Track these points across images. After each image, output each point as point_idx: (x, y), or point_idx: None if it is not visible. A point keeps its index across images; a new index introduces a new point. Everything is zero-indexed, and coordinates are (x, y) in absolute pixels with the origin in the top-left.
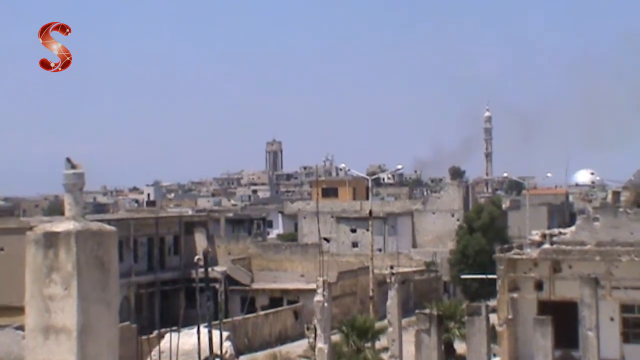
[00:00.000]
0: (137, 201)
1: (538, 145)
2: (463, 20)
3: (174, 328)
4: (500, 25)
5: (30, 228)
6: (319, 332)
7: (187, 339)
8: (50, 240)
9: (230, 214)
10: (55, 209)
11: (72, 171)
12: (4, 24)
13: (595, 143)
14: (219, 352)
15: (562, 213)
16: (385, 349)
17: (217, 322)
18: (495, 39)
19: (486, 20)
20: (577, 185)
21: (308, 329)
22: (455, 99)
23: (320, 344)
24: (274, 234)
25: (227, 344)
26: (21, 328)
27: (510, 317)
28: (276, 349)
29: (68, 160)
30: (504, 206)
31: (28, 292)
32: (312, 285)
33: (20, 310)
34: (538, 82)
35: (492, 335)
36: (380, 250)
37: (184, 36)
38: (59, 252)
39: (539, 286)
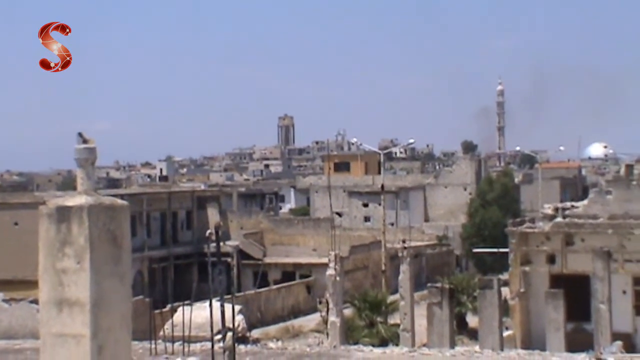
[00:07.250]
0: (149, 176)
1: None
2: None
3: (187, 302)
4: None
5: (44, 202)
6: (331, 305)
7: (199, 312)
8: (63, 214)
9: (243, 189)
10: (68, 184)
11: (83, 146)
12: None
13: None
14: (231, 326)
15: (575, 187)
16: (397, 324)
17: (229, 296)
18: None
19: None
20: (590, 158)
21: (320, 302)
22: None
23: (332, 318)
24: (286, 208)
25: (239, 318)
26: (36, 302)
27: (522, 290)
28: (289, 323)
29: (80, 135)
30: (516, 180)
31: (41, 265)
32: (325, 260)
33: (34, 283)
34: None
35: (504, 308)
36: (392, 224)
37: (197, 16)
38: (71, 226)
39: (551, 259)
